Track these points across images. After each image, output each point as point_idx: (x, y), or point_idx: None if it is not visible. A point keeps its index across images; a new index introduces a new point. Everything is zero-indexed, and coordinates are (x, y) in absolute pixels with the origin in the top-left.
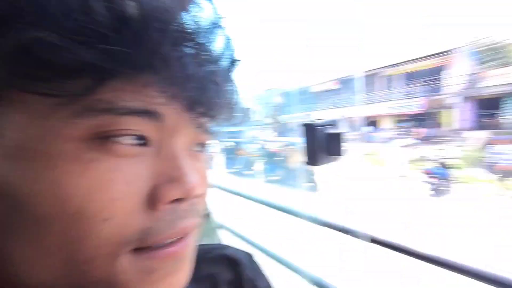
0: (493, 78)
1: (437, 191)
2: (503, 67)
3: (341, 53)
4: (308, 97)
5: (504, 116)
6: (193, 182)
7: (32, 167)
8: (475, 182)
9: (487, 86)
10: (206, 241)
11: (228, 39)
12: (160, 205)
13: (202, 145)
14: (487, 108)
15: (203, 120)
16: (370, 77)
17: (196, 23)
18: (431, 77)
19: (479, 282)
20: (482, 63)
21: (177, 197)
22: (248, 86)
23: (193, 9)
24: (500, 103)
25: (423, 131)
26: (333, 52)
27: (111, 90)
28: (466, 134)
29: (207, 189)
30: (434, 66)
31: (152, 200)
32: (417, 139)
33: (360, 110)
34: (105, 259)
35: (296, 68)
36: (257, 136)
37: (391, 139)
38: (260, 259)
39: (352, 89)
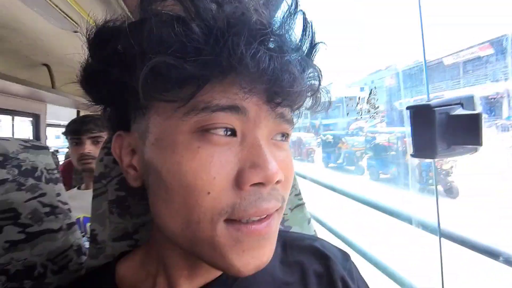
0: None
1: None
2: None
3: None
4: (439, 73)
5: None
6: (272, 169)
7: (165, 152)
8: None
9: None
10: (297, 230)
11: (307, 23)
12: (245, 186)
13: (284, 134)
14: None
15: (282, 110)
16: None
17: (271, 17)
18: None
19: None
20: None
21: (258, 181)
22: (347, 69)
23: (271, 2)
24: None
25: None
26: None
27: (207, 92)
28: None
29: (290, 176)
30: None
31: (239, 182)
32: None
33: None
34: (208, 223)
35: (414, 35)
36: (363, 127)
37: None
38: (355, 259)
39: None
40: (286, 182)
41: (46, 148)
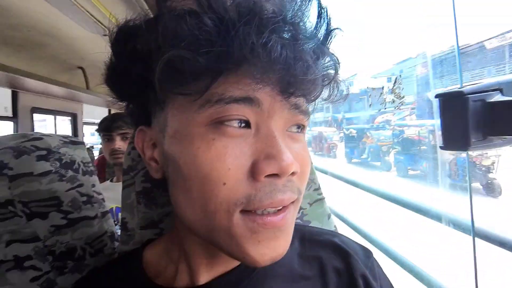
0: None
1: None
2: None
3: None
4: (480, 58)
5: None
6: (287, 160)
7: (182, 144)
8: None
9: None
10: (316, 225)
11: (322, 9)
12: (259, 177)
13: (300, 126)
14: None
15: (297, 100)
16: None
17: (284, 4)
18: None
19: None
20: None
21: (273, 172)
22: (373, 59)
23: None
24: None
25: None
26: None
27: (221, 84)
28: None
29: (306, 169)
30: None
31: (253, 173)
32: None
33: None
34: (224, 213)
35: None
36: (390, 120)
37: None
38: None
39: None
40: (302, 174)
41: (83, 143)
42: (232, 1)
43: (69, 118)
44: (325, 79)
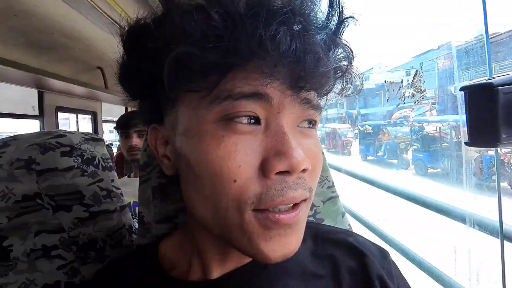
0: None
1: None
2: None
3: None
4: (510, 48)
5: None
6: (297, 156)
7: (192, 141)
8: None
9: None
10: (330, 224)
11: None
12: (270, 175)
13: (311, 121)
14: None
15: (308, 95)
16: None
17: None
18: None
19: None
20: None
21: (283, 169)
22: (390, 52)
23: None
24: None
25: None
26: None
27: (229, 80)
28: None
29: (317, 165)
30: None
31: (264, 170)
32: None
33: None
34: (236, 211)
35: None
36: (408, 116)
37: None
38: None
39: None
40: (313, 171)
41: (102, 140)
42: None
43: (90, 116)
44: (338, 71)
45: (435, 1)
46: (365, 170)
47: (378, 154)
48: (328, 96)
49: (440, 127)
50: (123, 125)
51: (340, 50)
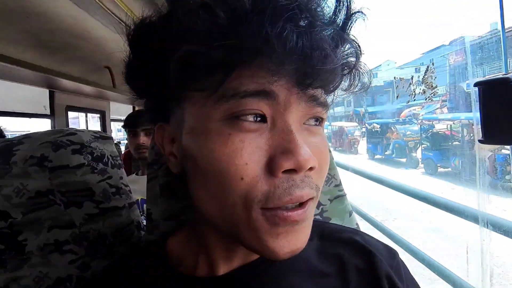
0: None
1: None
2: None
3: None
4: None
5: None
6: (304, 154)
7: (199, 140)
8: None
9: None
10: (337, 222)
11: None
12: (277, 173)
13: (318, 119)
14: None
15: (314, 92)
16: None
17: None
18: None
19: None
20: None
21: (290, 167)
22: (399, 48)
23: None
24: None
25: None
26: None
27: (235, 78)
28: None
29: (324, 164)
30: None
31: (270, 169)
32: None
33: None
34: (243, 208)
35: None
36: (418, 114)
37: None
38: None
39: None
40: (320, 169)
41: (111, 138)
42: None
43: (98, 115)
44: (345, 67)
45: None
46: (373, 168)
47: (386, 153)
48: (335, 93)
49: (451, 125)
50: (131, 124)
51: (347, 46)
